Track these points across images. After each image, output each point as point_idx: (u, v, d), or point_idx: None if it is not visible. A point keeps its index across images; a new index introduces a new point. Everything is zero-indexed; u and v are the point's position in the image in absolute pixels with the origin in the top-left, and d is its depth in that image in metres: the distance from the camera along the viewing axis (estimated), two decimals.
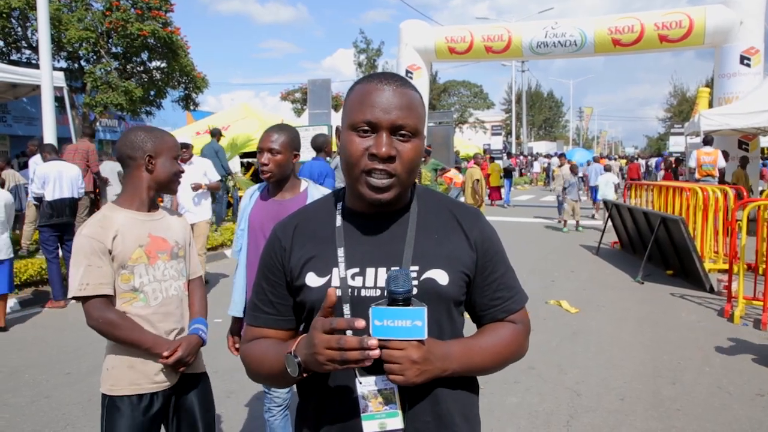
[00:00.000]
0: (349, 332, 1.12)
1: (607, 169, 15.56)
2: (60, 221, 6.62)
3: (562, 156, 16.72)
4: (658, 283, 7.67)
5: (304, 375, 1.16)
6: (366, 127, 1.18)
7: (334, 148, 12.53)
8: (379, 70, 32.01)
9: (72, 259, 1.99)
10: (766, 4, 13.32)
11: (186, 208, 6.81)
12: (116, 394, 2.05)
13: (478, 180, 11.69)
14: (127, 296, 2.03)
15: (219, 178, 7.18)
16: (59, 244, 6.78)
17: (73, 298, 1.99)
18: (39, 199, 6.78)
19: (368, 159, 1.18)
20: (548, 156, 33.90)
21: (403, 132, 1.19)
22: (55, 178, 6.59)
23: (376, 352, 1.06)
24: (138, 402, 2.04)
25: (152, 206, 2.14)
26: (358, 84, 1.25)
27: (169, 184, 2.14)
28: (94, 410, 3.94)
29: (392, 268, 1.21)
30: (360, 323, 1.05)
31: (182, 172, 2.20)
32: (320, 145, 6.63)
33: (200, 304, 2.24)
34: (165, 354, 2.00)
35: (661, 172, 19.87)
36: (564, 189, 13.43)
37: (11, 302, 6.70)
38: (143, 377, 2.04)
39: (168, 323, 2.09)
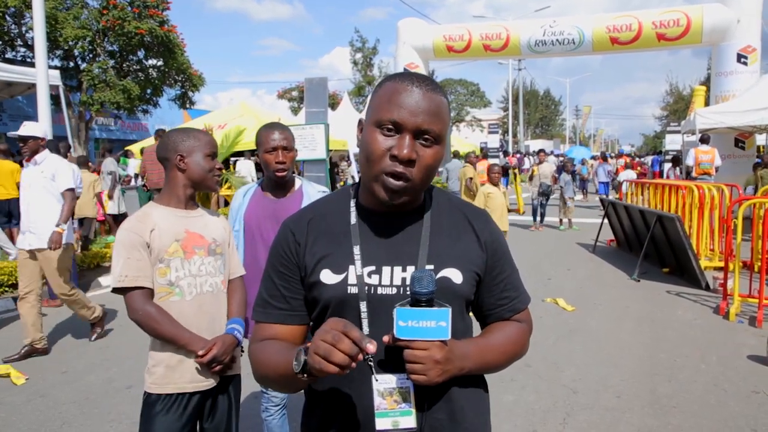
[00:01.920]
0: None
1: (627, 165, 18.09)
2: None
3: (541, 152, 14.22)
4: (655, 281, 7.69)
5: (305, 376, 1.10)
6: (390, 126, 1.17)
7: (332, 147, 12.51)
8: (375, 68, 32.01)
9: (114, 252, 2.07)
10: (764, 3, 13.35)
11: (24, 227, 4.93)
12: (156, 392, 2.06)
13: (471, 178, 11.75)
14: (164, 290, 2.07)
15: (70, 186, 4.98)
16: None
17: (114, 290, 2.04)
18: None
19: (389, 159, 1.17)
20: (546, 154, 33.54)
21: (426, 137, 1.18)
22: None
23: (372, 345, 1.02)
24: (176, 401, 2.07)
25: (190, 204, 2.20)
26: (389, 81, 1.23)
27: (204, 181, 2.18)
28: (90, 409, 3.94)
29: (411, 269, 1.22)
30: (371, 348, 1.02)
31: (220, 168, 2.22)
32: None
33: (238, 304, 2.25)
34: (200, 353, 2.02)
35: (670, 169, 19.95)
36: (547, 189, 12.56)
37: (7, 302, 6.69)
38: (182, 377, 2.07)
39: (202, 319, 2.11)
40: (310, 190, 2.66)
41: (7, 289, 6.84)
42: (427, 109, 1.17)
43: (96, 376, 4.51)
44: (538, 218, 13.12)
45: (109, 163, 10.38)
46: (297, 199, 2.59)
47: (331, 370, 1.01)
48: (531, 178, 12.87)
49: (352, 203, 1.32)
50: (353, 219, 1.29)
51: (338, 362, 1.00)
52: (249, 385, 4.10)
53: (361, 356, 1.02)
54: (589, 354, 4.92)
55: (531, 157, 34.37)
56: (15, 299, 6.76)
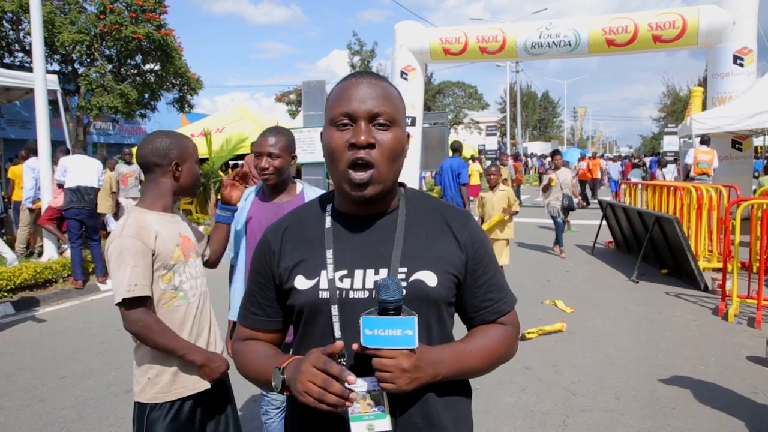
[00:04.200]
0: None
1: (636, 165, 20.01)
2: (79, 205, 7.36)
3: (556, 154, 10.92)
4: (653, 282, 7.70)
5: (285, 393, 1.19)
6: (345, 120, 1.20)
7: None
8: (373, 71, 32.01)
9: (116, 261, 1.96)
10: (759, 4, 13.38)
11: None
12: (162, 401, 2.04)
13: (506, 180, 11.88)
14: (168, 296, 2.05)
15: None
16: (83, 233, 7.60)
17: (122, 301, 1.94)
18: (61, 186, 7.64)
19: (348, 150, 1.19)
20: (545, 157, 33.03)
21: (381, 121, 1.20)
22: (75, 169, 7.41)
23: (350, 404, 1.09)
24: (181, 406, 2.06)
25: (172, 209, 2.21)
26: (336, 85, 1.28)
27: (193, 188, 2.21)
28: (89, 414, 3.93)
29: (384, 271, 1.22)
30: (351, 379, 1.08)
31: (202, 174, 2.27)
32: (456, 147, 9.57)
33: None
34: (215, 365, 2.06)
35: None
36: (570, 202, 9.83)
37: (6, 306, 6.68)
38: (188, 380, 2.07)
39: (204, 318, 2.16)
40: (311, 194, 2.66)
41: (6, 294, 6.83)
42: (374, 94, 1.21)
43: (95, 380, 4.51)
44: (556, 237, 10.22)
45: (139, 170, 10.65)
46: (298, 203, 2.58)
47: (325, 409, 1.09)
48: (546, 188, 9.96)
49: (328, 208, 1.33)
50: (328, 223, 1.30)
51: (332, 404, 1.08)
52: (249, 388, 4.10)
53: (352, 396, 1.09)
54: (588, 355, 4.93)
55: (530, 159, 34.22)
56: (14, 304, 6.77)
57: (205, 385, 2.10)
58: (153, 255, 2.00)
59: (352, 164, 1.19)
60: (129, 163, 11.27)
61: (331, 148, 1.22)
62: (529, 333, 5.39)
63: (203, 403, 2.13)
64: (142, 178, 9.95)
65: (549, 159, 18.62)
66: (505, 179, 12.09)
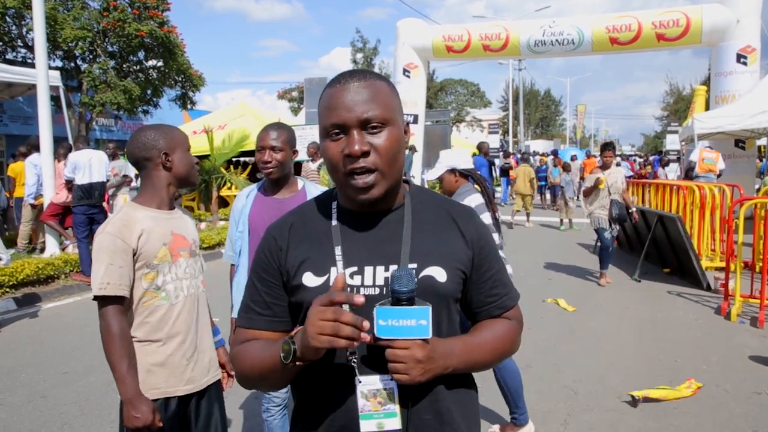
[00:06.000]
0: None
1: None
2: (89, 203, 7.50)
3: (606, 149, 7.86)
4: (656, 281, 7.69)
5: (297, 363, 1.13)
6: (336, 131, 1.19)
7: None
8: (376, 69, 32.03)
9: (94, 256, 1.94)
10: (763, 3, 13.35)
11: None
12: None
13: (533, 178, 12.80)
14: (149, 294, 2.00)
15: None
16: (90, 227, 7.56)
17: (94, 298, 1.92)
18: (70, 182, 7.66)
19: (345, 161, 1.18)
20: (545, 155, 32.19)
21: (373, 125, 1.19)
22: (86, 165, 7.50)
23: (365, 335, 1.05)
24: (163, 405, 1.99)
25: (171, 204, 2.14)
26: (324, 90, 1.25)
27: (189, 177, 2.14)
28: (91, 410, 3.93)
29: (394, 268, 1.21)
30: (359, 299, 1.04)
31: (198, 163, 2.20)
32: (479, 147, 12.21)
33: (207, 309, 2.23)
34: (133, 413, 1.87)
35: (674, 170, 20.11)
36: (622, 212, 7.30)
37: (8, 302, 6.69)
38: (166, 381, 2.00)
39: (186, 321, 2.08)
40: (313, 190, 2.66)
41: (8, 290, 6.84)
42: (361, 99, 1.18)
43: (96, 377, 4.51)
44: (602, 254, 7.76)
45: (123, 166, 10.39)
46: (300, 199, 2.57)
47: (343, 345, 1.05)
48: (589, 192, 7.62)
49: (334, 205, 1.32)
50: (334, 220, 1.29)
51: (348, 335, 1.04)
52: None
53: (366, 325, 1.04)
54: (590, 355, 4.92)
55: (532, 157, 33.75)
56: (16, 300, 6.77)
57: (181, 390, 2.03)
58: (135, 254, 1.95)
59: (351, 172, 1.19)
60: (111, 157, 10.97)
61: (328, 159, 1.22)
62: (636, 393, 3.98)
63: (188, 403, 2.07)
64: (125, 173, 9.89)
65: (552, 157, 18.31)
66: (533, 179, 13.28)
